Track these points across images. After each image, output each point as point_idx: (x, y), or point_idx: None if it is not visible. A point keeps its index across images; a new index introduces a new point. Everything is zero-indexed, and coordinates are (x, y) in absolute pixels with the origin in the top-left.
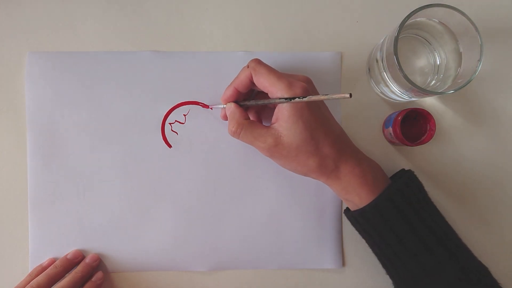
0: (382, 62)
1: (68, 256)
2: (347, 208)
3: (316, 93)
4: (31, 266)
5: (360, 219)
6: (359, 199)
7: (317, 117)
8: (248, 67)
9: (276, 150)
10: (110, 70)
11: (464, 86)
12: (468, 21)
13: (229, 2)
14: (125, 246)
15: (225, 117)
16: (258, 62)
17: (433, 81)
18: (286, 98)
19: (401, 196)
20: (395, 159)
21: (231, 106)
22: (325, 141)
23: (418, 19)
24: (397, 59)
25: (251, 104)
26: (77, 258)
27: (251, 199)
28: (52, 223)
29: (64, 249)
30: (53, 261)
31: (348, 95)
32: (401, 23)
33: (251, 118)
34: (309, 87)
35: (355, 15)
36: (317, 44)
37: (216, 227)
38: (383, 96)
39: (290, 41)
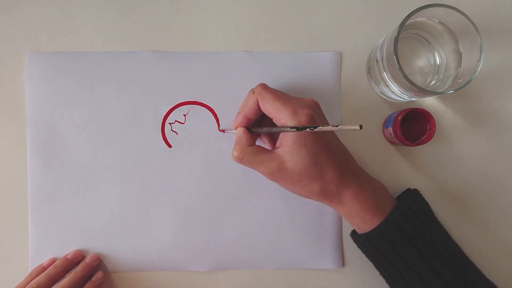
0: (382, 62)
1: (68, 256)
2: (353, 231)
3: (323, 117)
4: (31, 266)
5: (366, 243)
6: (363, 223)
7: (320, 143)
8: (254, 92)
9: (279, 175)
10: (110, 70)
11: (464, 86)
12: (468, 21)
13: (229, 2)
14: (125, 246)
15: None
16: (263, 87)
17: (433, 81)
18: (297, 128)
19: (406, 219)
20: (395, 159)
21: (240, 131)
22: (328, 166)
23: (418, 19)
24: (397, 59)
25: (263, 132)
26: (77, 258)
27: (251, 199)
28: (52, 223)
29: (64, 249)
30: (53, 261)
31: (358, 127)
32: (401, 23)
33: (265, 140)
34: (315, 113)
35: (355, 15)
36: (317, 44)
37: (216, 227)
38: (383, 96)
39: (290, 41)
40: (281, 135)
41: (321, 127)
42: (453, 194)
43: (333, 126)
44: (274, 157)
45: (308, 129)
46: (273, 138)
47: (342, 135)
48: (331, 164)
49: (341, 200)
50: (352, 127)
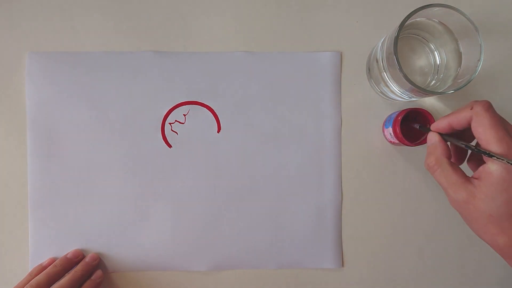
0: (382, 62)
1: (68, 256)
2: None
3: None
4: (31, 266)
5: None
6: None
7: None
8: (471, 108)
9: (465, 207)
10: (110, 70)
11: (464, 86)
12: (468, 21)
13: (229, 2)
14: (125, 246)
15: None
16: (486, 109)
17: (433, 81)
18: (505, 159)
19: None
20: (395, 159)
21: (435, 139)
22: None
23: (418, 19)
24: (397, 59)
25: (459, 145)
26: (77, 258)
27: (251, 199)
28: (52, 223)
29: (64, 249)
30: (53, 260)
31: None
32: (401, 23)
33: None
34: None
35: (355, 15)
36: (317, 44)
37: (215, 227)
38: (383, 96)
39: (290, 41)
40: (482, 167)
41: None
42: None
43: None
44: (467, 186)
45: None
46: (456, 151)
47: (343, 135)
48: None
49: None
50: None
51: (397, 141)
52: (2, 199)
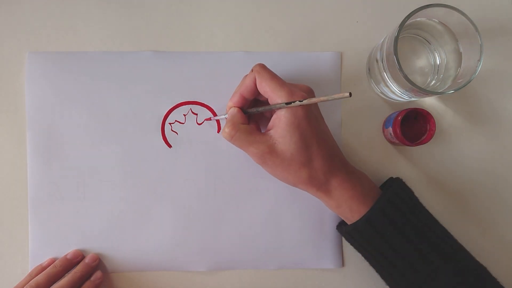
0: (382, 62)
1: (68, 256)
2: (339, 224)
3: (316, 104)
4: (31, 266)
5: (354, 234)
6: (350, 212)
7: (313, 129)
8: (252, 71)
9: (269, 157)
10: (110, 70)
11: (464, 86)
12: (468, 21)
13: (229, 2)
14: (124, 246)
15: None
16: (262, 66)
17: (433, 81)
18: (286, 103)
19: (392, 206)
20: (395, 159)
21: (234, 110)
22: (318, 153)
23: (418, 19)
24: (397, 59)
25: (252, 112)
26: (77, 258)
27: (251, 199)
28: (52, 223)
29: (64, 249)
30: (53, 261)
31: (347, 94)
32: (401, 23)
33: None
34: (310, 97)
35: (355, 15)
36: (317, 44)
37: (216, 227)
38: (383, 96)
39: (290, 41)
40: (274, 116)
41: (310, 98)
42: (453, 194)
43: (323, 96)
44: (266, 139)
45: (297, 102)
46: (258, 126)
47: (343, 135)
48: (321, 151)
49: (328, 189)
50: (341, 95)
51: (397, 141)
52: (2, 199)
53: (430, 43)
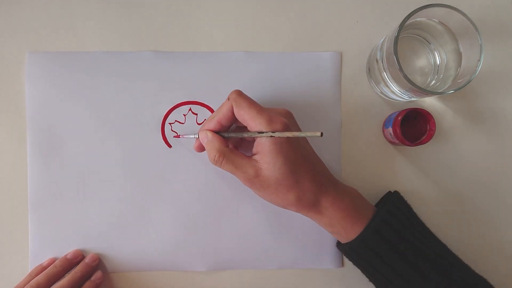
0: (382, 62)
1: (68, 256)
2: (338, 242)
3: (296, 126)
4: (31, 266)
5: (350, 252)
6: (345, 232)
7: (297, 152)
8: (229, 99)
9: (256, 181)
10: (110, 70)
11: (464, 86)
12: (468, 21)
13: (229, 2)
14: (124, 246)
15: (199, 148)
16: (239, 94)
17: (433, 81)
18: (264, 132)
19: (387, 225)
20: (395, 159)
21: (208, 135)
22: (305, 175)
23: (418, 19)
24: (397, 59)
25: (231, 137)
26: (77, 258)
27: (251, 199)
28: (52, 223)
29: (64, 249)
30: (53, 261)
31: (319, 134)
32: (401, 23)
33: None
34: (290, 121)
35: (355, 15)
36: (317, 44)
37: (215, 227)
38: (383, 96)
39: (290, 41)
40: (257, 142)
41: (284, 132)
42: (453, 194)
43: (296, 132)
44: (252, 163)
45: (270, 133)
46: (237, 148)
47: (343, 135)
48: (308, 172)
49: (320, 210)
50: (314, 134)
51: (397, 141)
52: (2, 199)
53: (430, 43)
